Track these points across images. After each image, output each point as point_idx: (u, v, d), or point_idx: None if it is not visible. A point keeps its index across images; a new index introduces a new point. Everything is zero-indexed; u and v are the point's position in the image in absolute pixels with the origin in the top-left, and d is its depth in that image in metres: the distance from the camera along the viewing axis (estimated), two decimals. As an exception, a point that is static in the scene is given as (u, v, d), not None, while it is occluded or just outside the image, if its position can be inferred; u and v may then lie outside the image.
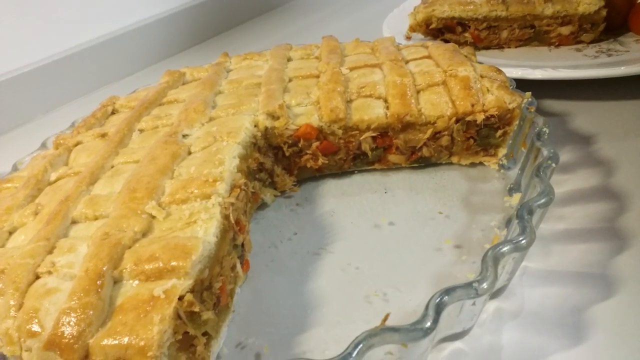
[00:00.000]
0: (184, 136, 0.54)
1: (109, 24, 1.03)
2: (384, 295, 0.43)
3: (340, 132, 0.54)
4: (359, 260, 0.47)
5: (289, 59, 0.70)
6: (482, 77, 0.54)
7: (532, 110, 0.49)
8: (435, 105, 0.53)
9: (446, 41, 0.82)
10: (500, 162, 0.54)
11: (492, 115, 0.51)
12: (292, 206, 0.55)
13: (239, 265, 0.44)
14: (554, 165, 0.41)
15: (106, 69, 1.02)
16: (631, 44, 0.76)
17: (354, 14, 1.25)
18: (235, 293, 0.44)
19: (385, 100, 0.55)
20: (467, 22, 0.79)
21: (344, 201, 0.55)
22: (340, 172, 0.59)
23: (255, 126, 0.54)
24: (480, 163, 0.56)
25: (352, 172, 0.59)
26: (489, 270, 0.32)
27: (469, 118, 0.51)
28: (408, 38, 0.83)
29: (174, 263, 0.35)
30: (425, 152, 0.55)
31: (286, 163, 0.57)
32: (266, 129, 0.54)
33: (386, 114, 0.53)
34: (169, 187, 0.44)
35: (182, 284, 0.35)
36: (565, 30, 0.78)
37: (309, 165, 0.56)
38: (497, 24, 0.79)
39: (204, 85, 0.64)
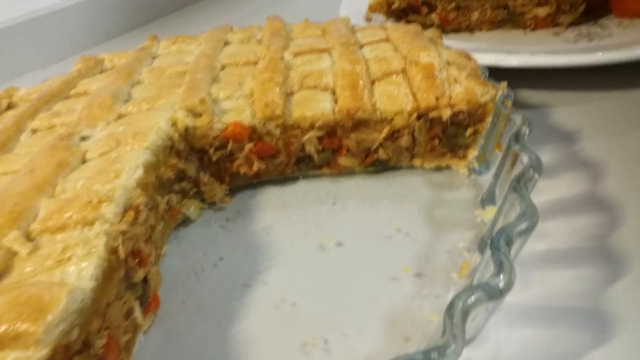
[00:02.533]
0: (83, 138, 0.43)
1: (36, 1, 0.90)
2: (324, 343, 0.33)
3: (277, 131, 0.44)
4: (296, 294, 0.37)
5: (227, 43, 0.59)
6: (448, 64, 0.45)
7: (509, 104, 0.40)
8: (393, 99, 0.43)
9: (410, 23, 0.73)
10: (471, 166, 0.46)
11: (460, 111, 0.42)
12: (222, 221, 0.45)
13: (138, 310, 0.34)
14: (537, 176, 0.32)
15: (28, 54, 0.89)
16: (613, 28, 0.68)
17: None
18: (135, 343, 0.35)
19: (334, 93, 0.45)
20: (433, 1, 0.70)
21: (285, 215, 0.45)
22: (283, 179, 0.49)
23: (173, 125, 0.44)
24: (448, 167, 0.47)
25: (296, 178, 0.49)
26: (454, 332, 0.24)
27: (432, 114, 0.42)
28: (368, 19, 0.74)
29: (20, 327, 0.25)
30: (382, 154, 0.46)
31: (215, 169, 0.46)
32: (186, 128, 0.43)
33: (334, 110, 0.43)
34: (44, 210, 0.34)
35: (31, 358, 0.25)
36: (541, 11, 0.69)
37: (242, 171, 0.46)
38: (467, 4, 0.70)
39: (119, 74, 0.52)
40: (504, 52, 0.56)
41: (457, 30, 0.73)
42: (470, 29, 0.73)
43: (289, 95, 0.45)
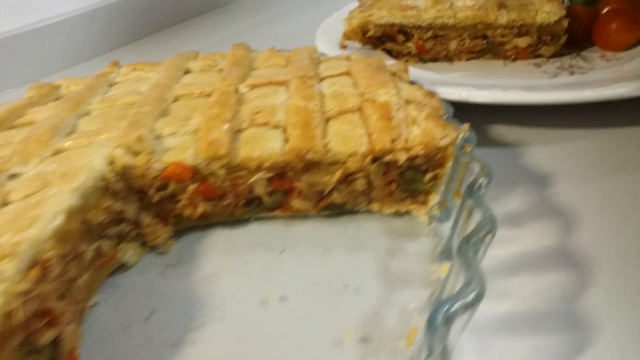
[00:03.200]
0: (12, 176, 0.40)
1: (39, 13, 0.89)
2: (250, 420, 0.30)
3: (222, 172, 0.41)
4: (227, 359, 0.34)
5: (187, 71, 0.56)
6: (408, 102, 0.42)
7: (468, 150, 0.37)
8: (347, 139, 0.40)
9: (388, 51, 0.71)
10: (432, 213, 0.42)
11: (417, 155, 0.38)
12: (162, 268, 0.42)
13: (40, 380, 0.30)
14: (488, 239, 0.29)
15: (30, 64, 0.87)
16: (596, 60, 0.66)
17: (310, 11, 1.12)
18: (41, 414, 0.31)
19: (285, 131, 0.42)
20: (409, 30, 0.67)
21: (231, 261, 0.42)
22: (233, 220, 0.45)
23: (110, 164, 0.40)
24: (408, 212, 0.43)
25: (248, 220, 0.46)
26: None
27: (388, 158, 0.39)
28: (343, 47, 0.71)
29: None
30: (336, 197, 0.42)
31: (158, 210, 0.43)
32: (124, 167, 0.40)
33: (283, 150, 0.40)
34: (-58, 263, 0.30)
35: None
36: (522, 42, 0.66)
37: (186, 213, 0.43)
38: (445, 33, 0.67)
39: (66, 103, 0.49)
40: (477, 87, 0.53)
41: (435, 59, 0.70)
42: (448, 58, 0.70)
43: (237, 132, 0.42)
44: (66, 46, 0.93)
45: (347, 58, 0.53)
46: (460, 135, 0.39)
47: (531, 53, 0.68)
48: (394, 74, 0.48)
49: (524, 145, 0.53)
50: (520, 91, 0.51)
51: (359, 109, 0.42)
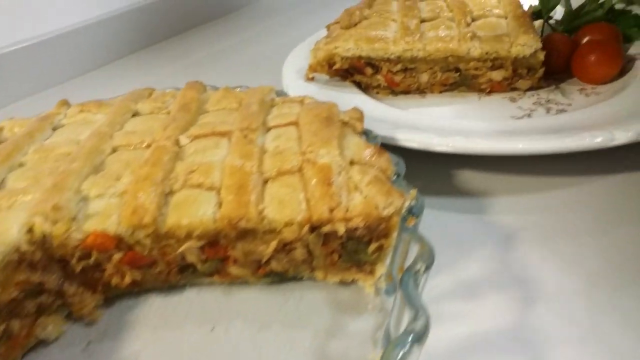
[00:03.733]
0: None
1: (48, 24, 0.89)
2: None
3: (149, 241, 0.37)
4: None
5: (135, 114, 0.53)
6: (352, 163, 0.38)
7: (412, 223, 0.33)
8: (284, 206, 0.36)
9: (357, 83, 0.67)
10: (378, 285, 0.39)
11: (357, 227, 0.35)
12: (85, 344, 0.38)
13: None
14: (414, 346, 0.25)
15: (40, 74, 0.87)
16: (574, 95, 0.62)
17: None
18: None
19: (220, 193, 0.38)
20: (377, 62, 0.64)
21: (158, 337, 0.38)
22: (168, 286, 0.42)
23: (29, 232, 0.37)
24: (354, 281, 0.40)
25: (185, 285, 0.42)
26: None
27: (326, 229, 0.35)
28: (310, 79, 0.68)
29: None
30: (275, 266, 0.39)
31: (84, 279, 0.40)
32: (44, 235, 0.37)
33: (215, 216, 0.37)
34: None
35: None
36: (496, 75, 0.63)
37: (114, 282, 0.40)
38: (415, 66, 0.64)
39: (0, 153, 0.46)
40: (439, 132, 0.49)
41: (406, 92, 0.67)
42: (420, 91, 0.66)
43: (169, 194, 0.39)
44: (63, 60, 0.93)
45: (301, 102, 0.50)
46: (406, 204, 0.35)
47: (507, 86, 0.64)
48: (345, 124, 0.44)
49: (490, 194, 0.49)
50: (484, 139, 0.47)
51: (300, 170, 0.38)
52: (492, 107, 0.62)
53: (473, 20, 0.67)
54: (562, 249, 0.42)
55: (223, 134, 0.45)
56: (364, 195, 0.36)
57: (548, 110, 0.59)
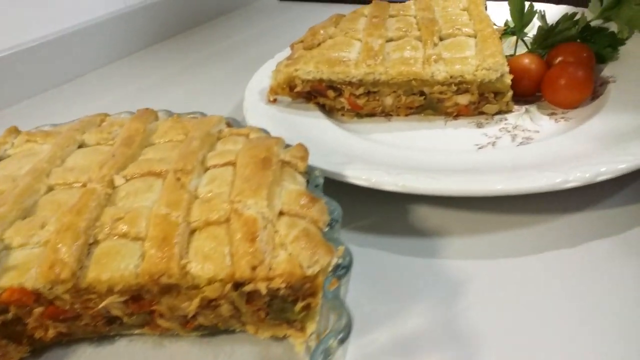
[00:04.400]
0: None
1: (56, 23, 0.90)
2: None
3: (68, 296, 0.36)
4: None
5: (81, 144, 0.51)
6: (282, 214, 0.36)
7: (335, 285, 0.31)
8: (208, 260, 0.34)
9: (321, 105, 0.65)
10: (309, 343, 0.37)
11: (279, 287, 0.33)
12: (6, 401, 0.37)
13: None
14: None
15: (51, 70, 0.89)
16: (543, 120, 0.60)
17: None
18: None
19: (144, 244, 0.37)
20: (339, 85, 0.62)
21: (85, 393, 0.37)
22: (100, 336, 0.40)
23: (-57, 285, 0.35)
24: (287, 336, 0.38)
25: (116, 335, 0.41)
26: None
27: (248, 288, 0.34)
28: (273, 101, 0.65)
29: None
30: (202, 321, 0.37)
31: (6, 332, 0.38)
32: (-41, 289, 0.35)
33: (137, 270, 0.35)
34: None
35: None
36: (462, 99, 0.60)
37: (37, 335, 0.38)
38: (378, 89, 0.61)
39: None
40: (388, 169, 0.47)
41: (372, 114, 0.64)
42: (386, 114, 0.64)
43: (92, 244, 0.37)
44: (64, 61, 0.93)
45: (247, 135, 0.48)
46: (334, 261, 0.33)
47: (474, 110, 0.62)
48: (287, 163, 0.42)
49: (445, 234, 0.47)
50: (437, 179, 0.45)
51: (227, 221, 0.36)
52: (457, 133, 0.60)
53: (441, 39, 0.65)
54: (512, 301, 0.40)
55: (158, 175, 0.43)
56: (289, 252, 0.34)
57: (513, 138, 0.57)
